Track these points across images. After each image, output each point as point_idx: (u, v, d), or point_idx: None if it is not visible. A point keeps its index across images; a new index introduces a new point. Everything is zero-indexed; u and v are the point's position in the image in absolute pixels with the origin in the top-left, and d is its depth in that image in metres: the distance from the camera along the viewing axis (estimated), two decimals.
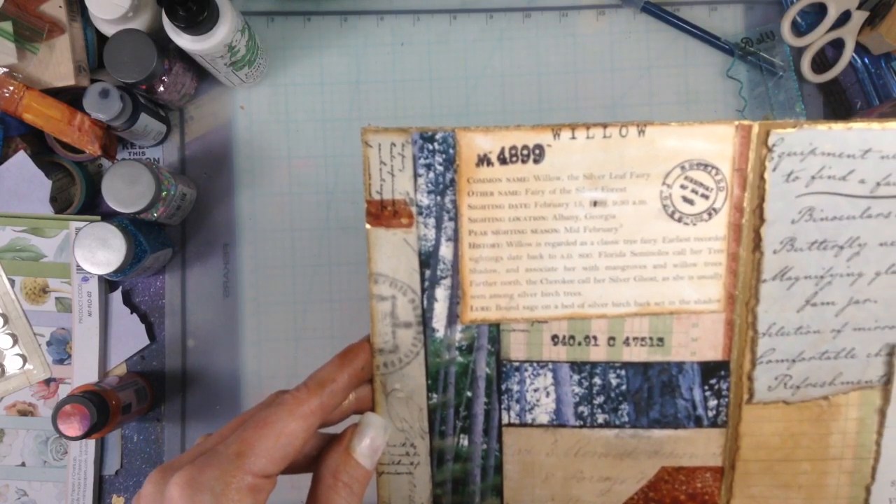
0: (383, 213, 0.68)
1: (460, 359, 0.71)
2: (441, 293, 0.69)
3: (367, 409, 0.71)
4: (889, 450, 0.72)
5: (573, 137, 0.66)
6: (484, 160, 0.67)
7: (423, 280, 0.69)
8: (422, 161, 0.67)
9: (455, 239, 0.68)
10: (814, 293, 0.69)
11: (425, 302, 0.69)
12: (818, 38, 1.09)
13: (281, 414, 0.62)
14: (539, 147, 0.66)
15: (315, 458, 0.67)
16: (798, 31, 1.11)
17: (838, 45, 1.10)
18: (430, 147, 0.67)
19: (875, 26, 1.06)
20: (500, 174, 0.67)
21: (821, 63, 1.13)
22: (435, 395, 0.71)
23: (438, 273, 0.69)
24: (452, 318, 0.70)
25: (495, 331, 0.70)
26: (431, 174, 0.67)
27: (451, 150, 0.67)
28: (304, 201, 1.11)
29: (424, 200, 0.68)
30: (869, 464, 0.72)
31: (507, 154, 0.67)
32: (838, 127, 0.66)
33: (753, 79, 1.13)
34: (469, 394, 0.71)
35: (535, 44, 1.14)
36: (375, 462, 0.67)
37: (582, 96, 1.14)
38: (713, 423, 0.71)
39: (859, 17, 1.07)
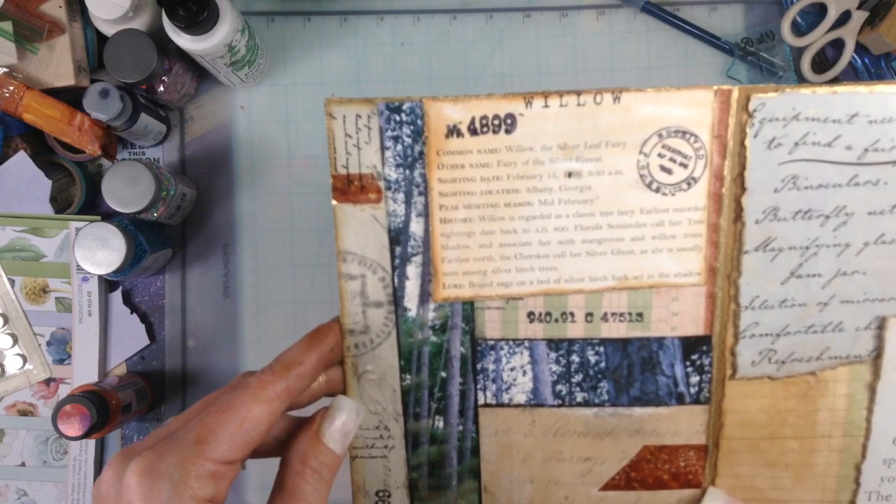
0: (350, 188, 0.64)
1: (434, 338, 0.67)
2: (412, 271, 0.66)
3: (338, 391, 0.67)
4: (880, 427, 0.68)
5: (546, 106, 0.62)
6: (454, 131, 0.63)
7: (393, 258, 0.66)
8: (389, 133, 0.63)
9: (426, 214, 0.65)
10: (799, 265, 0.65)
11: (396, 280, 0.66)
12: (818, 38, 1.06)
13: (245, 398, 0.58)
14: (511, 117, 0.63)
15: (285, 442, 0.64)
16: (798, 31, 1.08)
17: (838, 45, 1.07)
18: (398, 118, 0.63)
19: (875, 26, 1.03)
20: (470, 146, 0.63)
21: (821, 63, 1.10)
22: (408, 377, 0.68)
23: (409, 250, 0.65)
24: (425, 296, 0.66)
25: (469, 309, 0.67)
26: (399, 147, 0.64)
27: (419, 122, 0.63)
28: (304, 201, 1.08)
29: (393, 174, 0.64)
30: (859, 441, 0.68)
31: (477, 124, 0.63)
32: (823, 91, 0.62)
33: (753, 79, 1.10)
34: (443, 374, 0.68)
35: (535, 44, 1.10)
36: (346, 446, 0.64)
37: None
38: (696, 400, 0.68)
39: (859, 17, 1.05)
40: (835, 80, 1.08)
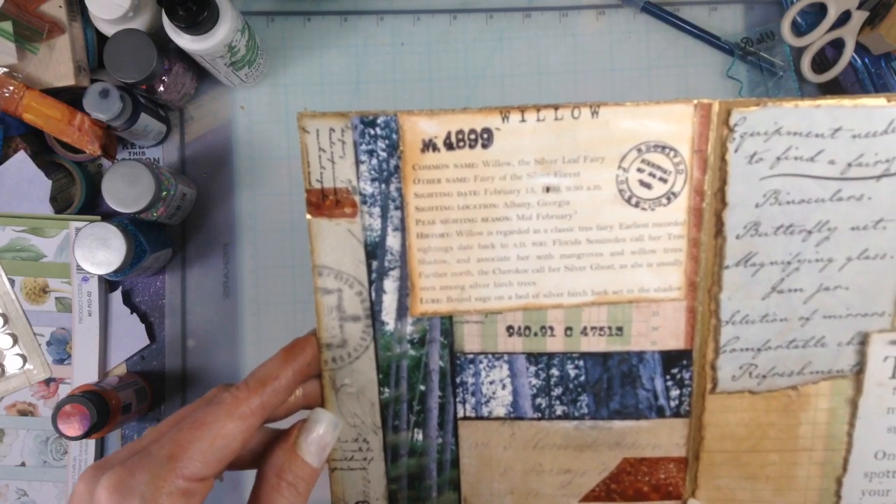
0: (325, 202, 0.63)
1: (412, 352, 0.66)
2: (389, 285, 0.65)
3: (315, 404, 0.66)
4: (861, 441, 0.67)
5: (523, 120, 0.61)
6: (429, 145, 0.62)
7: (370, 272, 0.64)
8: (363, 147, 0.62)
9: (402, 228, 0.64)
10: (780, 279, 0.64)
11: (373, 294, 0.65)
12: (818, 38, 1.04)
13: (218, 414, 0.57)
14: (487, 131, 0.61)
15: (261, 455, 0.63)
16: (798, 31, 1.07)
17: (838, 45, 1.05)
18: (372, 132, 0.62)
19: (875, 26, 1.01)
20: (447, 160, 0.62)
21: (821, 63, 1.08)
22: (387, 390, 0.67)
23: (386, 264, 0.64)
24: (402, 310, 0.65)
25: (448, 323, 0.65)
26: (374, 161, 0.62)
27: (394, 136, 0.62)
28: (303, 201, 1.05)
29: (368, 188, 0.63)
30: (840, 455, 0.67)
31: (453, 139, 0.62)
32: (805, 104, 0.61)
33: (753, 79, 1.09)
34: (422, 387, 0.67)
35: (535, 44, 1.09)
36: (324, 459, 0.62)
37: (582, 96, 1.08)
38: (676, 414, 0.67)
39: (859, 17, 1.03)
40: (831, 84, 1.06)
